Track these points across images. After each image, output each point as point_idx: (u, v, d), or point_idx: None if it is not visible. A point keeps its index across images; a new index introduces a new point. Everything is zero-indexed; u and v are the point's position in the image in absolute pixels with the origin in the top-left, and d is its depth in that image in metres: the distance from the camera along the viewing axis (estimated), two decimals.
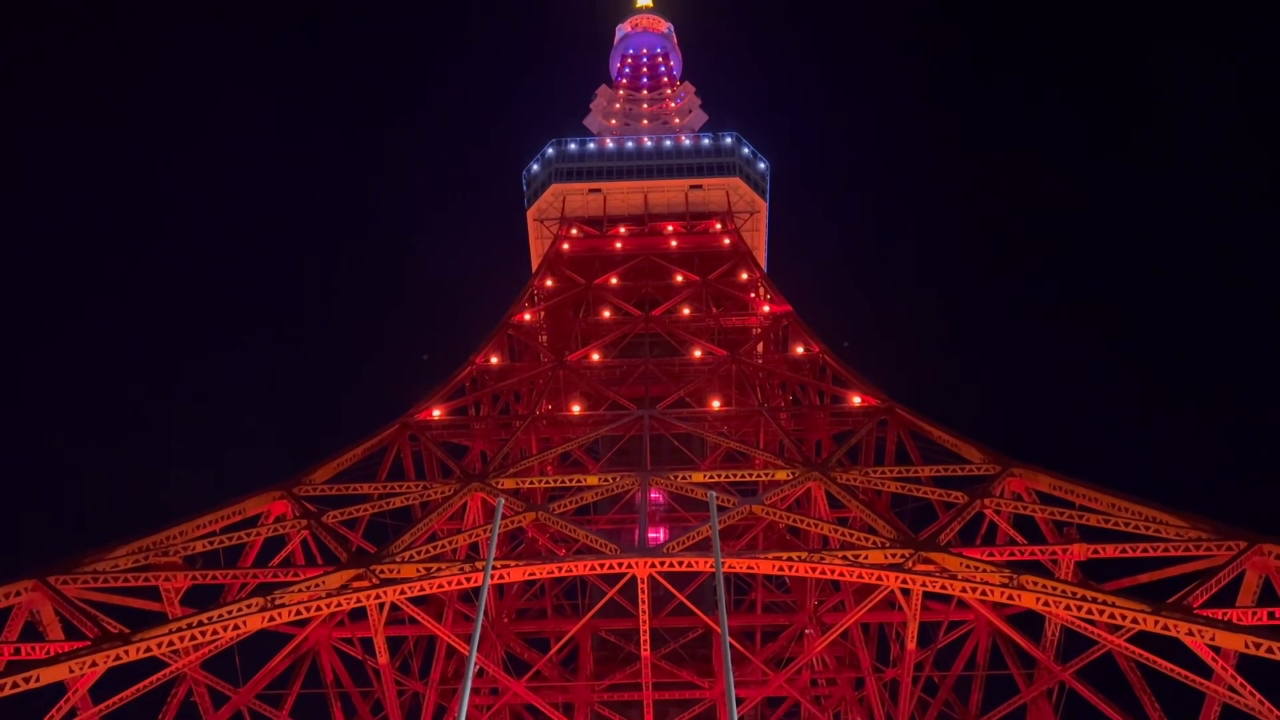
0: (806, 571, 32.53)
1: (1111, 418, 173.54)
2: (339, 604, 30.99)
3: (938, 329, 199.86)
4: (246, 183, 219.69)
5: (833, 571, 31.93)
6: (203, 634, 28.83)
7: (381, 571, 31.85)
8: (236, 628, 29.19)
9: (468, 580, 31.53)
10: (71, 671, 27.08)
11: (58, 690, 28.06)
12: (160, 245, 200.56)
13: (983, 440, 40.40)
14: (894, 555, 31.90)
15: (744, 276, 62.78)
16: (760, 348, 58.17)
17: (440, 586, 31.56)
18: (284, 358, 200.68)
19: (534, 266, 70.04)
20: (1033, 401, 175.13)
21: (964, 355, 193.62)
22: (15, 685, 25.79)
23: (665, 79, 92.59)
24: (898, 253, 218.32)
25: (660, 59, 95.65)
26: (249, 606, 29.36)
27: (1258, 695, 27.68)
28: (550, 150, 72.75)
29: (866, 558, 31.98)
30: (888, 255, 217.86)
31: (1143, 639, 29.99)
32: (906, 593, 33.69)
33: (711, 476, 40.56)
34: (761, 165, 73.21)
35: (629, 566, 32.09)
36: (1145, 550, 32.33)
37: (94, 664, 27.12)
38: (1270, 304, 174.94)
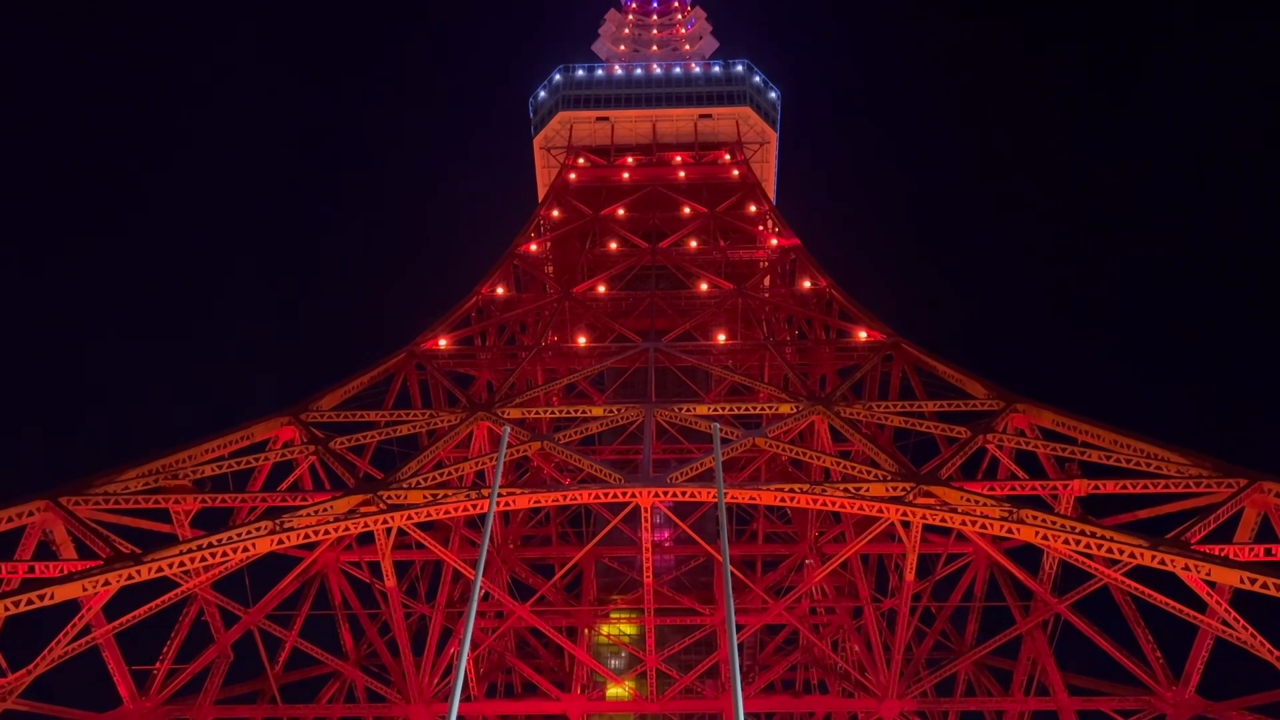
0: (808, 503, 32.85)
1: (1114, 357, 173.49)
2: (347, 528, 31.40)
3: (946, 267, 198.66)
4: (255, 114, 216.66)
5: (834, 503, 32.23)
6: (213, 555, 29.34)
7: (389, 497, 32.25)
8: (246, 550, 29.70)
9: (474, 507, 31.91)
10: (85, 590, 27.63)
11: (71, 608, 28.70)
12: (172, 175, 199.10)
13: (988, 378, 40.42)
14: (895, 488, 32.18)
15: (752, 209, 62.17)
16: (767, 281, 57.91)
17: (447, 513, 31.92)
18: (296, 285, 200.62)
19: (540, 196, 69.42)
20: (1037, 341, 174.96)
21: (969, 294, 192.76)
22: (30, 602, 26.39)
23: (675, 3, 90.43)
24: (907, 188, 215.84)
25: None
26: (258, 529, 29.82)
27: (1250, 629, 28.12)
28: (558, 76, 71.52)
29: (868, 490, 32.27)
30: (897, 191, 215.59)
31: (1139, 573, 30.38)
32: (906, 525, 34.03)
33: (715, 409, 40.76)
34: (773, 94, 71.98)
35: (633, 496, 32.45)
36: (1145, 487, 32.52)
37: (106, 583, 27.64)
38: (1269, 245, 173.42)
